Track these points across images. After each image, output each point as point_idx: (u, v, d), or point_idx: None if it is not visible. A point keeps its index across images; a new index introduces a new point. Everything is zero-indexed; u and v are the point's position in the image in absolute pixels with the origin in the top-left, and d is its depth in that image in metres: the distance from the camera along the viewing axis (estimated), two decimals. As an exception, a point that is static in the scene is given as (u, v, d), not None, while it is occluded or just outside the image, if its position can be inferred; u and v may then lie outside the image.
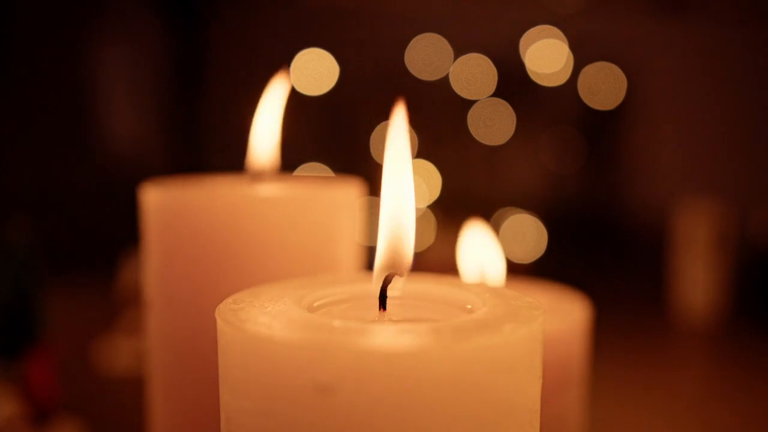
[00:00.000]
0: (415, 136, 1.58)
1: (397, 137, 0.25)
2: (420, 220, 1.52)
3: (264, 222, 0.34)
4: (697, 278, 1.13)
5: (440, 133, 1.65)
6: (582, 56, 1.59)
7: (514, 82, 1.61)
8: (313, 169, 1.47)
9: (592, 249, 1.54)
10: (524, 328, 0.22)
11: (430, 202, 1.55)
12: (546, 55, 1.59)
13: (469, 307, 0.26)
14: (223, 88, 1.64)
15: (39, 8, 1.43)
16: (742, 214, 1.26)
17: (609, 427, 0.70)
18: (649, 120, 1.65)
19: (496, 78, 1.60)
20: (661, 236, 1.29)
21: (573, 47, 1.58)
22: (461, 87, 1.61)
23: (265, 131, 0.39)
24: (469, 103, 1.61)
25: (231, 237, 0.34)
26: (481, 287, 0.27)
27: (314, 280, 0.28)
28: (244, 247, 0.34)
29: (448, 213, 1.48)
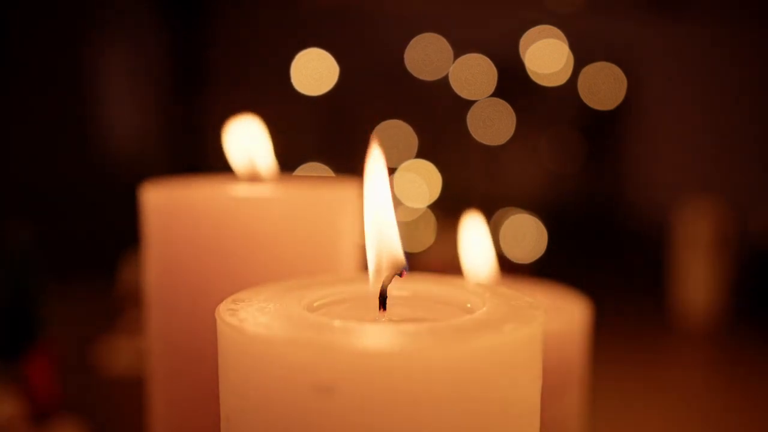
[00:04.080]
0: (416, 136, 1.58)
1: (374, 162, 0.27)
2: (420, 220, 1.52)
3: (264, 222, 0.34)
4: (697, 278, 1.13)
5: (440, 133, 1.65)
6: (582, 56, 1.59)
7: (514, 82, 1.61)
8: (313, 169, 1.47)
9: (592, 249, 1.54)
10: (524, 328, 0.22)
11: (430, 202, 1.55)
12: (546, 55, 1.59)
13: (469, 306, 0.26)
14: (223, 88, 1.64)
15: (38, 8, 1.43)
16: (742, 214, 1.26)
17: (609, 428, 0.70)
18: (649, 120, 1.65)
19: (496, 78, 1.60)
20: (661, 236, 1.29)
21: (573, 47, 1.58)
22: (461, 87, 1.61)
23: (247, 140, 0.39)
24: (469, 103, 1.61)
25: (231, 237, 0.34)
26: (481, 287, 0.27)
27: (314, 280, 0.28)
28: (244, 247, 0.34)
29: (448, 213, 1.48)
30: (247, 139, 0.39)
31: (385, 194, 0.26)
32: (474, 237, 0.40)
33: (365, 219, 0.26)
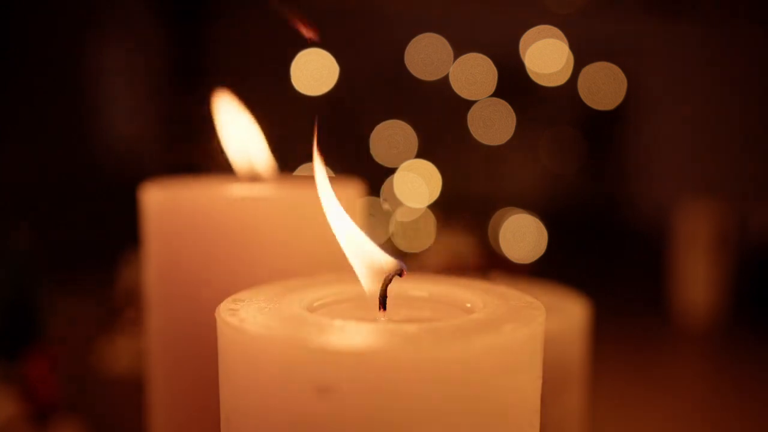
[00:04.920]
0: (415, 136, 1.58)
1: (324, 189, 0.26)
2: (420, 220, 1.52)
3: (264, 222, 0.34)
4: (697, 278, 1.13)
5: (440, 133, 1.65)
6: (582, 56, 1.59)
7: (514, 82, 1.61)
8: (313, 169, 1.47)
9: (592, 249, 1.54)
10: (524, 328, 0.22)
11: (430, 202, 1.55)
12: (546, 55, 1.59)
13: (469, 306, 0.26)
14: (222, 88, 1.64)
15: (39, 8, 1.43)
16: (742, 214, 1.26)
17: (609, 427, 0.70)
18: (649, 120, 1.65)
19: (496, 78, 1.60)
20: (661, 236, 1.29)
21: (573, 47, 1.58)
22: (461, 87, 1.61)
23: (242, 139, 0.39)
24: (469, 103, 1.61)
25: (231, 237, 0.34)
26: (481, 287, 0.27)
27: (314, 280, 0.28)
28: (243, 246, 0.34)
29: (448, 213, 1.48)
30: (241, 136, 0.39)
31: (338, 210, 0.26)
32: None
33: (338, 240, 0.26)
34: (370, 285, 0.26)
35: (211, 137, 0.38)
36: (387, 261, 0.26)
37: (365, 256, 0.26)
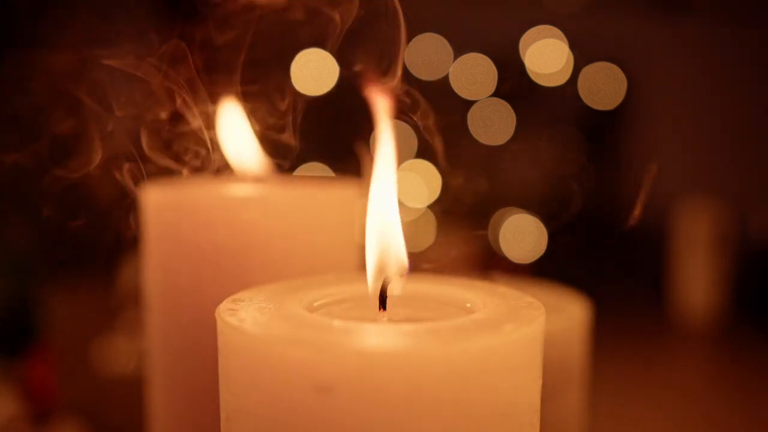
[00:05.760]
0: (416, 137, 1.58)
1: (384, 161, 0.26)
2: (420, 220, 1.52)
3: (264, 222, 0.34)
4: (697, 278, 1.13)
5: (440, 133, 1.65)
6: (582, 56, 1.59)
7: (514, 82, 1.61)
8: (313, 169, 1.47)
9: (593, 249, 1.54)
10: (524, 328, 0.22)
11: (430, 202, 1.54)
12: (546, 55, 1.59)
13: (469, 306, 0.26)
14: (222, 87, 1.63)
15: (39, 7, 1.43)
16: (742, 214, 1.26)
17: (609, 427, 0.70)
18: (650, 120, 1.65)
19: (496, 78, 1.60)
20: (661, 236, 1.29)
21: (573, 47, 1.58)
22: (461, 87, 1.61)
23: (242, 139, 0.39)
24: (469, 103, 1.61)
25: (230, 237, 0.34)
26: (481, 287, 0.27)
27: (314, 280, 0.28)
28: (243, 247, 0.34)
29: (448, 213, 1.48)
30: (233, 135, 0.39)
31: (391, 195, 0.26)
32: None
33: (368, 219, 0.26)
34: (373, 284, 0.26)
35: (211, 137, 0.38)
36: (394, 261, 0.25)
37: (384, 252, 0.26)
